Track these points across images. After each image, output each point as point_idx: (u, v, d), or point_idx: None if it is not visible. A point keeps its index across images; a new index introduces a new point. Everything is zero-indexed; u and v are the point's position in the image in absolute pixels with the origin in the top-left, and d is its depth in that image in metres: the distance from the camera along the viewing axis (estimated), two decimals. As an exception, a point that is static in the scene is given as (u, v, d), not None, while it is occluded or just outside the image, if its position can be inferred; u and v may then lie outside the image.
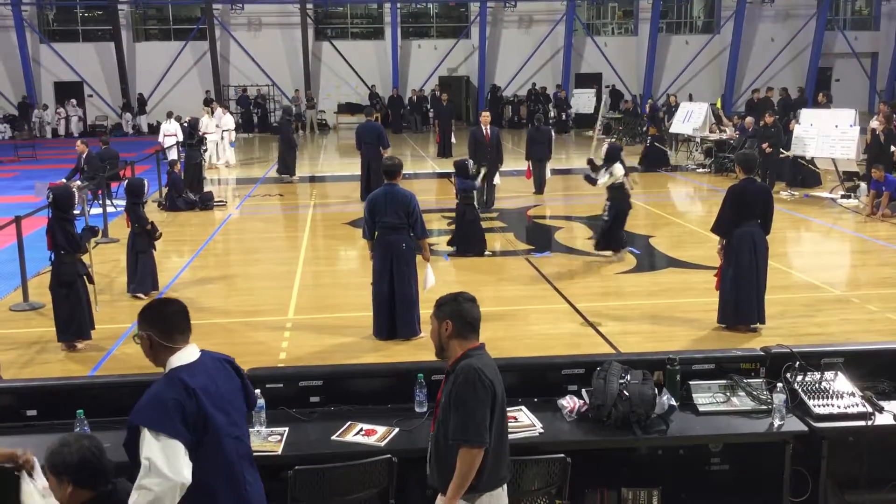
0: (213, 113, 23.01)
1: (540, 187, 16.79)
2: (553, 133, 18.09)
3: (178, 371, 3.21)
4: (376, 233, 8.04)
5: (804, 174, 17.17)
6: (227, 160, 22.96)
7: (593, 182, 11.16)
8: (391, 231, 7.97)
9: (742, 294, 7.95)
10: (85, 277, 8.04)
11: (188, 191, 16.25)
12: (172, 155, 18.25)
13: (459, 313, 3.71)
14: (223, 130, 23.10)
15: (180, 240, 13.39)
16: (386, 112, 32.09)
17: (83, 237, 8.24)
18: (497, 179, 15.01)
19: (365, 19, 37.38)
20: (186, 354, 3.28)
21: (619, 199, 10.98)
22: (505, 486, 3.73)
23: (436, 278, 8.34)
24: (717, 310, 8.24)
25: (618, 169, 10.79)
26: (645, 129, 23.30)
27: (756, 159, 8.80)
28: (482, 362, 3.65)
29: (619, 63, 36.22)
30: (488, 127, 14.91)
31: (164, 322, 3.29)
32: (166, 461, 3.01)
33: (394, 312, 8.04)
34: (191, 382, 3.15)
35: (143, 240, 9.66)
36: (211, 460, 3.17)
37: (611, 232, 11.07)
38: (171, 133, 20.80)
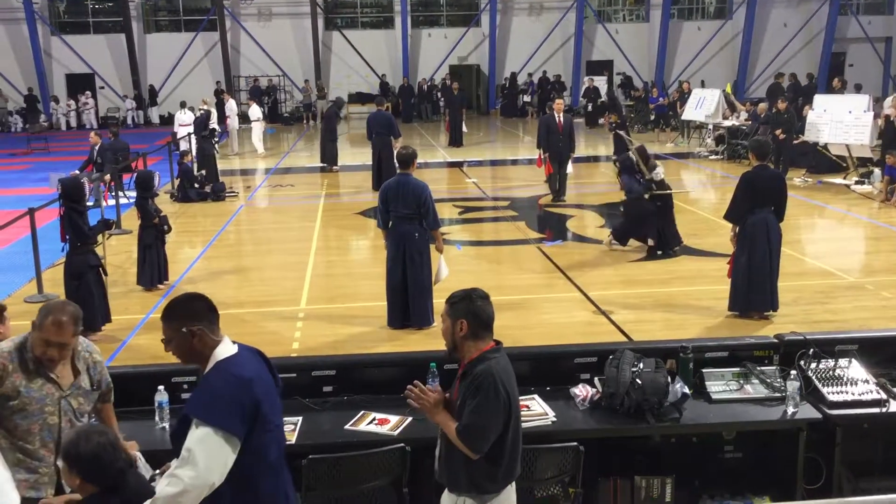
0: (217, 104, 23.20)
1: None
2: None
3: (228, 364, 3.19)
4: (390, 222, 8.07)
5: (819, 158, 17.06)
6: (261, 149, 23.31)
7: (648, 184, 10.65)
8: (404, 221, 7.96)
9: (755, 281, 7.89)
10: (99, 269, 8.08)
11: (208, 182, 16.36)
12: (186, 145, 18.28)
13: (474, 312, 3.59)
14: (252, 121, 23.55)
15: (193, 231, 13.44)
16: (396, 101, 32.00)
17: (97, 229, 8.26)
18: (570, 168, 14.75)
19: (375, 8, 37.31)
20: (228, 347, 3.27)
21: (661, 195, 10.74)
22: (513, 484, 3.70)
23: (449, 268, 8.34)
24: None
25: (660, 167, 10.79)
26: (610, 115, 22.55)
27: (769, 146, 8.74)
28: (500, 368, 3.55)
29: (631, 50, 36.03)
30: (561, 115, 14.55)
31: (210, 316, 3.28)
32: (206, 457, 3.00)
33: (407, 301, 8.05)
34: (245, 373, 3.16)
35: (149, 233, 9.67)
36: (258, 448, 3.17)
37: (656, 228, 10.74)
38: (186, 123, 20.84)
